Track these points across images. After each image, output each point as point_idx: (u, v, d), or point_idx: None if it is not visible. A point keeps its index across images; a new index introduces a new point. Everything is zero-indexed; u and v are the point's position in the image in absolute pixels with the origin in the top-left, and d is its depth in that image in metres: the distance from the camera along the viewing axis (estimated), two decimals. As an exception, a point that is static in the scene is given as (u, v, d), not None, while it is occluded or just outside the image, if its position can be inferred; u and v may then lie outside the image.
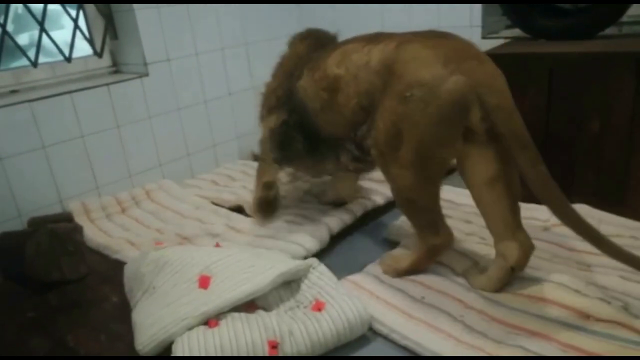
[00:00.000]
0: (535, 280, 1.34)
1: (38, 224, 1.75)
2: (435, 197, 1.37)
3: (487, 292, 1.34)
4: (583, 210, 1.66)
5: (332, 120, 1.51)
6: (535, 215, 1.72)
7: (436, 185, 1.35)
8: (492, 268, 1.37)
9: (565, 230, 1.59)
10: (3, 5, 1.97)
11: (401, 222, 1.80)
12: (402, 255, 1.49)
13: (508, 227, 1.32)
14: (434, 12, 2.22)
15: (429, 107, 1.19)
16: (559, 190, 1.17)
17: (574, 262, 1.44)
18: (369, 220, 1.88)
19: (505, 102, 1.19)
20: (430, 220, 1.39)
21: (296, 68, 1.62)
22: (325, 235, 1.69)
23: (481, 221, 1.74)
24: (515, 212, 1.33)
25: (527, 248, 1.33)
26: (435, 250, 1.42)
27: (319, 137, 1.60)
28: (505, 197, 1.30)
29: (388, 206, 1.95)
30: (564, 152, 1.71)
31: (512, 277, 1.35)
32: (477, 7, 2.11)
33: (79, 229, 1.77)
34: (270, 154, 1.74)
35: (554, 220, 1.65)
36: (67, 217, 1.93)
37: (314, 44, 1.69)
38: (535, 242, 1.57)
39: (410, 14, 2.29)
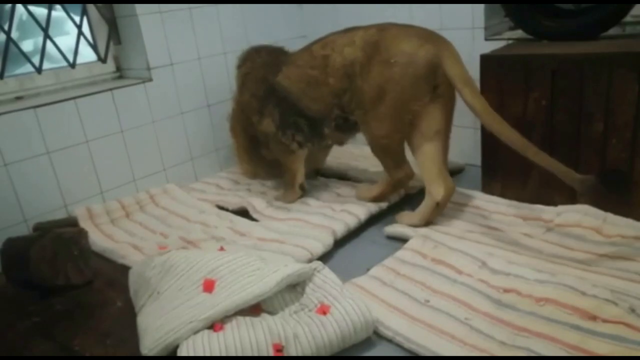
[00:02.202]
0: (541, 282, 1.33)
1: (43, 229, 1.75)
2: (402, 142, 1.79)
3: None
4: (587, 210, 1.65)
5: (317, 94, 1.85)
6: (540, 216, 1.72)
7: (404, 133, 1.76)
8: (421, 206, 1.78)
9: (569, 231, 1.59)
10: (8, 12, 1.99)
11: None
12: (373, 187, 1.96)
13: (440, 172, 1.74)
14: (436, 13, 2.22)
15: (409, 69, 1.65)
16: (496, 114, 1.55)
17: (578, 263, 1.44)
18: (372, 224, 1.87)
19: (457, 60, 1.65)
20: (397, 160, 1.83)
21: (268, 72, 1.97)
22: (329, 239, 1.69)
23: (482, 220, 1.75)
24: (445, 161, 1.78)
25: (450, 189, 1.77)
26: (400, 183, 1.90)
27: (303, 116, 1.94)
28: (441, 148, 1.75)
29: (391, 209, 1.95)
30: (567, 152, 1.70)
31: (437, 213, 1.77)
32: (480, 9, 2.11)
33: (84, 234, 1.78)
34: (291, 143, 1.99)
35: (557, 220, 1.65)
36: (72, 222, 1.93)
37: (269, 53, 2.07)
38: (539, 243, 1.58)
39: (412, 16, 2.29)
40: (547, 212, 1.73)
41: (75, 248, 1.65)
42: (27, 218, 1.90)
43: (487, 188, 1.93)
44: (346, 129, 1.95)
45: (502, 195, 1.89)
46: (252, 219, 1.95)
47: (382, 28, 1.75)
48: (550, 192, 1.78)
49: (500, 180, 1.89)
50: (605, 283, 1.30)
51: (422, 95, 1.67)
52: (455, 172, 2.23)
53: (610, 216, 1.61)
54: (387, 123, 1.73)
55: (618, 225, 1.57)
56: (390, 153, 1.82)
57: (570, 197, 1.73)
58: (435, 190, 1.72)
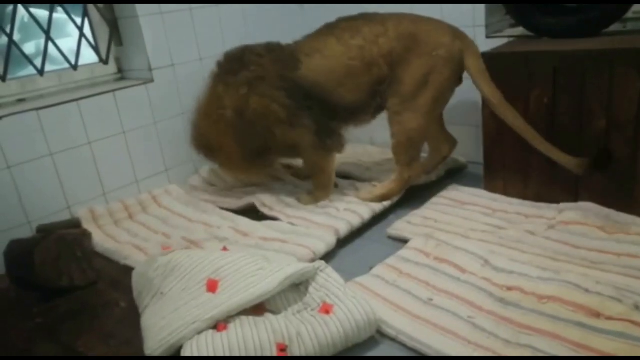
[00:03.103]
0: (545, 280, 1.33)
1: (46, 231, 1.76)
2: (426, 136, 1.93)
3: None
4: (590, 207, 1.65)
5: (356, 83, 1.83)
6: (542, 214, 1.71)
7: (431, 125, 1.91)
8: (430, 161, 2.09)
9: (572, 228, 1.59)
10: (9, 15, 1.99)
11: (405, 220, 1.80)
12: (379, 185, 1.98)
13: (442, 136, 2.06)
14: (437, 12, 2.21)
15: (449, 62, 1.78)
16: (512, 107, 1.72)
17: (581, 260, 1.43)
18: (375, 223, 1.87)
19: (478, 54, 1.79)
20: (414, 156, 1.91)
21: (284, 68, 1.85)
22: (332, 238, 1.69)
23: (485, 219, 1.75)
24: (443, 124, 2.07)
25: (453, 145, 2.09)
26: (409, 181, 1.95)
27: (335, 110, 1.89)
28: (441, 116, 2.04)
29: (392, 208, 1.95)
30: (570, 150, 1.70)
31: (443, 164, 2.12)
32: (480, 7, 2.11)
33: (87, 235, 1.78)
34: (326, 143, 1.92)
35: (560, 218, 1.65)
36: (75, 224, 1.93)
37: (269, 50, 1.91)
38: (542, 241, 1.57)
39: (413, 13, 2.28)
40: (550, 209, 1.72)
41: (79, 249, 1.66)
42: (31, 220, 1.90)
43: (489, 186, 1.93)
44: (377, 114, 1.97)
45: (505, 192, 1.88)
46: (255, 219, 1.95)
47: (414, 20, 1.82)
48: (552, 189, 1.77)
49: (503, 177, 1.89)
50: (609, 280, 1.30)
51: (454, 86, 1.86)
52: (457, 170, 2.23)
53: (613, 213, 1.61)
54: (422, 115, 1.81)
55: (621, 222, 1.57)
56: (412, 147, 1.87)
57: (573, 194, 1.73)
58: (442, 148, 2.06)
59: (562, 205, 1.71)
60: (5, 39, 1.98)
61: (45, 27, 2.07)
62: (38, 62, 2.07)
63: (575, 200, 1.72)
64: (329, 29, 1.89)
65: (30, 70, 2.08)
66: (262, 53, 1.90)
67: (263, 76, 1.86)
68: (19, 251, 1.62)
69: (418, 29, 1.79)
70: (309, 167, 2.02)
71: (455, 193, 1.96)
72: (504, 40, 2.02)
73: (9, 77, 2.00)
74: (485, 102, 1.78)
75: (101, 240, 1.88)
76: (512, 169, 1.85)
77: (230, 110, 1.90)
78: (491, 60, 1.79)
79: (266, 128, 1.89)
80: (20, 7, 2.00)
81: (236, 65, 1.90)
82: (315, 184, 2.03)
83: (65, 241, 1.63)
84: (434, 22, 1.84)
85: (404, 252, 1.58)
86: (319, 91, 1.84)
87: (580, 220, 1.60)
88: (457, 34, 1.80)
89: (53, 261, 1.58)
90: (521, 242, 1.56)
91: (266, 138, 1.92)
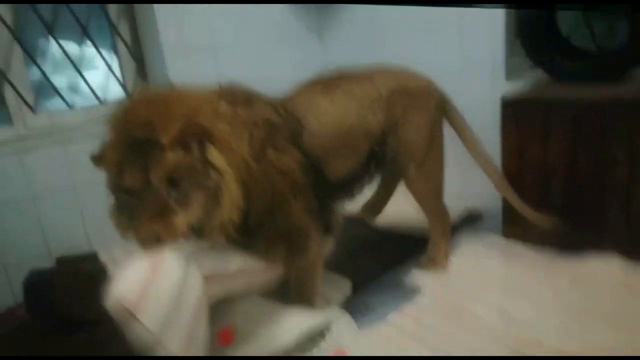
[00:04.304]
0: (563, 336, 1.29)
1: (66, 262, 1.78)
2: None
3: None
4: (613, 260, 1.61)
5: (347, 156, 1.55)
6: (564, 265, 1.67)
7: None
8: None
9: (595, 281, 1.53)
10: (42, 48, 2.07)
11: (420, 267, 1.78)
12: (438, 251, 1.79)
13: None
14: (457, 52, 2.21)
15: (440, 109, 1.74)
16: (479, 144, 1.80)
17: (604, 317, 1.39)
18: (390, 269, 1.82)
19: (455, 108, 1.81)
20: (442, 199, 1.81)
21: (296, 132, 1.43)
22: (347, 287, 1.64)
23: (503, 270, 1.70)
24: None
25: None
26: (450, 224, 1.85)
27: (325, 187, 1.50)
28: None
29: (409, 254, 1.91)
30: (591, 200, 1.66)
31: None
32: (500, 48, 2.10)
33: (105, 269, 1.80)
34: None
35: (582, 269, 1.60)
36: (94, 257, 1.96)
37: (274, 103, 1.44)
38: (563, 294, 1.52)
39: (433, 53, 2.28)
40: (572, 260, 1.67)
41: (97, 282, 1.66)
42: (52, 251, 1.92)
43: (508, 231, 1.89)
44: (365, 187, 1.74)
45: (524, 238, 1.84)
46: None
47: (395, 75, 1.68)
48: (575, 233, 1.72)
49: (522, 223, 1.83)
50: (632, 340, 1.26)
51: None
52: (472, 220, 2.12)
53: (638, 266, 1.57)
54: (439, 165, 1.76)
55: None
56: (440, 194, 1.80)
57: (597, 238, 1.68)
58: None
59: (585, 255, 1.67)
60: (36, 71, 2.05)
61: (76, 61, 2.14)
62: (66, 95, 2.13)
63: (598, 244, 1.67)
64: (319, 88, 1.57)
65: (59, 103, 2.14)
66: (269, 101, 1.44)
67: (277, 124, 1.37)
68: (39, 282, 1.63)
69: (405, 83, 1.67)
70: (301, 271, 1.46)
71: (473, 240, 1.93)
72: (524, 82, 2.00)
73: (38, 109, 2.05)
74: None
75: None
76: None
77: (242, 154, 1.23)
78: (510, 107, 1.78)
79: (280, 194, 1.30)
80: (52, 41, 2.08)
81: (244, 96, 1.38)
82: (304, 295, 1.47)
83: (84, 273, 1.65)
84: (408, 72, 1.72)
85: (420, 299, 1.57)
86: (317, 163, 1.46)
87: (603, 272, 1.56)
88: (429, 79, 1.74)
89: (72, 293, 1.59)
90: (541, 295, 1.53)
91: (272, 209, 1.29)
